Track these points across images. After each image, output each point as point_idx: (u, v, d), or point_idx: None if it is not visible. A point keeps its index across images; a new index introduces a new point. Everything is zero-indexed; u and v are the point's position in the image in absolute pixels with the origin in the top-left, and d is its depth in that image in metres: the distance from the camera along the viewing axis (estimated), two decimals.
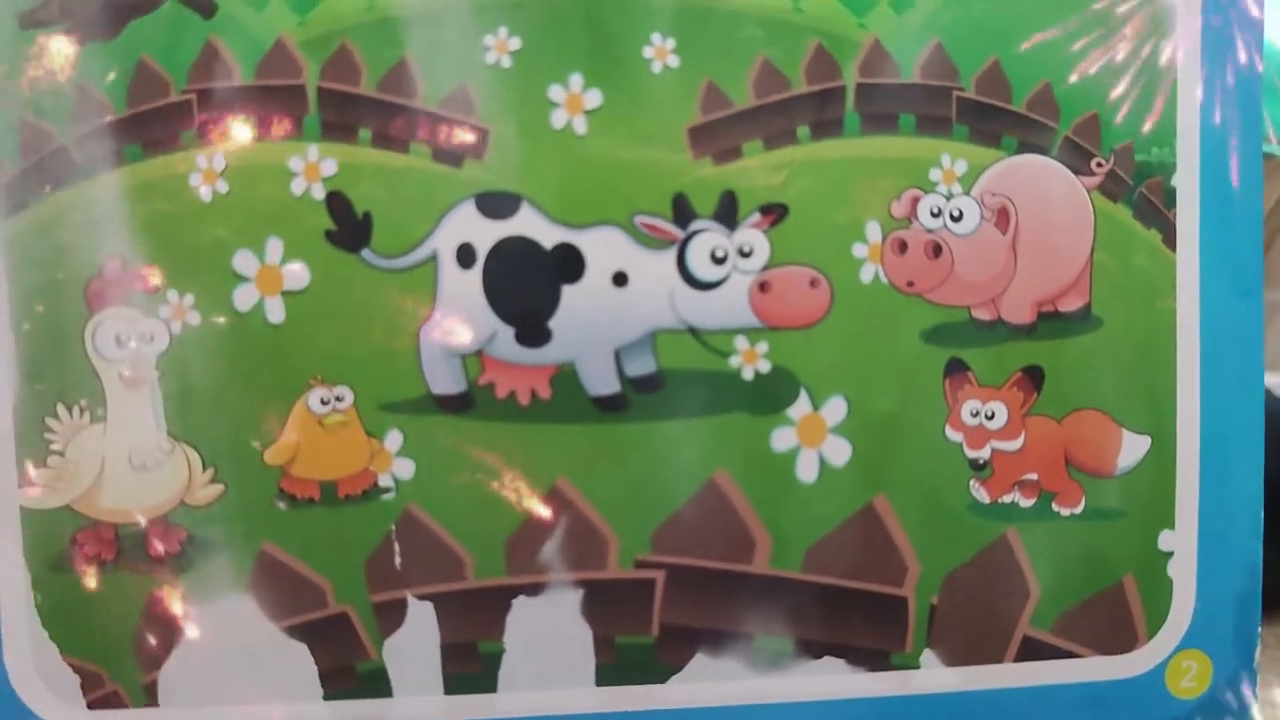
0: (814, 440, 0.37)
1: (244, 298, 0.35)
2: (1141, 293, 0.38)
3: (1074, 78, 0.37)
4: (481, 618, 0.36)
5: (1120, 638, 0.39)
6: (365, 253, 0.35)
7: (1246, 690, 0.39)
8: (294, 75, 0.35)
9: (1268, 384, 0.39)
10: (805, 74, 0.36)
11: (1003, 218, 0.37)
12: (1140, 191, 0.38)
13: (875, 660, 0.38)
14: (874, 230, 0.37)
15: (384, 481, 0.36)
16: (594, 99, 0.35)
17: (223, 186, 0.35)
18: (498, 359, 0.36)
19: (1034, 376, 0.38)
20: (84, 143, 0.34)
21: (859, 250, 0.36)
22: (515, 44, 0.35)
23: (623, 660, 0.37)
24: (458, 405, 0.36)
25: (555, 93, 0.35)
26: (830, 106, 0.36)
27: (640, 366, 0.36)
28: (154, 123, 0.35)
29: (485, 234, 0.35)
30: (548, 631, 0.36)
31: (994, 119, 0.37)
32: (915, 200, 0.37)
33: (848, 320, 0.36)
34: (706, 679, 0.37)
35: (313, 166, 0.35)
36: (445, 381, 0.36)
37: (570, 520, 0.36)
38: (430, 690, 0.36)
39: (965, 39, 0.37)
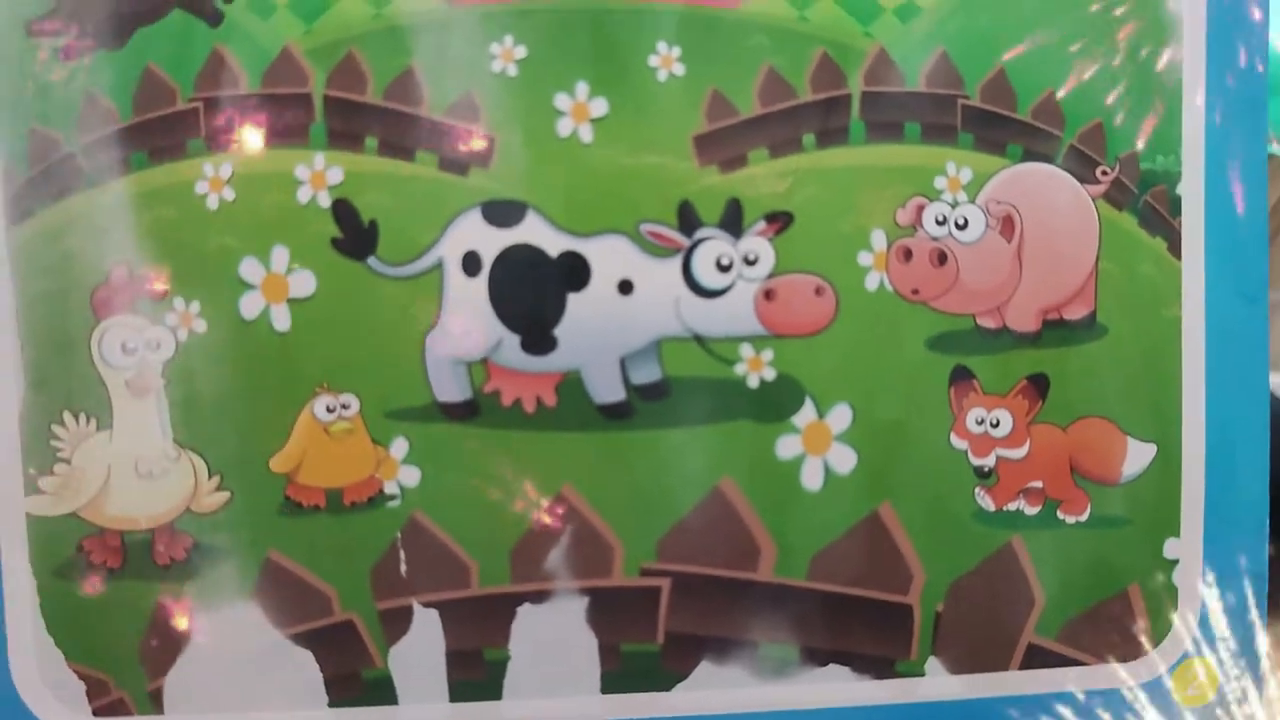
0: (819, 448, 0.37)
1: (250, 305, 0.35)
2: (1146, 301, 0.38)
3: (1079, 86, 0.37)
4: (487, 625, 0.36)
5: (1126, 645, 0.39)
6: (371, 260, 0.35)
7: (1252, 697, 0.39)
8: (300, 83, 0.35)
9: (1272, 386, 0.39)
10: (811, 82, 0.36)
11: (1008, 226, 0.37)
12: (1145, 200, 0.38)
13: (880, 668, 0.38)
14: (879, 238, 0.37)
15: (389, 489, 0.36)
16: (600, 107, 0.35)
17: (229, 194, 0.35)
18: (503, 367, 0.36)
19: (1039, 384, 0.38)
20: (91, 150, 0.34)
21: (864, 258, 0.37)
22: (521, 52, 0.35)
23: (628, 668, 0.37)
24: (463, 413, 0.36)
25: (561, 101, 0.35)
26: (835, 115, 0.36)
27: (645, 374, 0.36)
28: (160, 130, 0.35)
29: (491, 242, 0.35)
30: (553, 639, 0.36)
31: (999, 127, 0.37)
32: (920, 208, 0.37)
33: (853, 328, 0.36)
34: (711, 686, 0.37)
35: (319, 174, 0.35)
36: (451, 389, 0.36)
37: (575, 528, 0.36)
38: (435, 697, 0.36)
39: (970, 48, 0.37)
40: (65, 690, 0.35)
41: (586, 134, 0.35)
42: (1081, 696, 0.38)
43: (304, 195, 0.35)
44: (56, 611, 0.35)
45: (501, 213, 0.35)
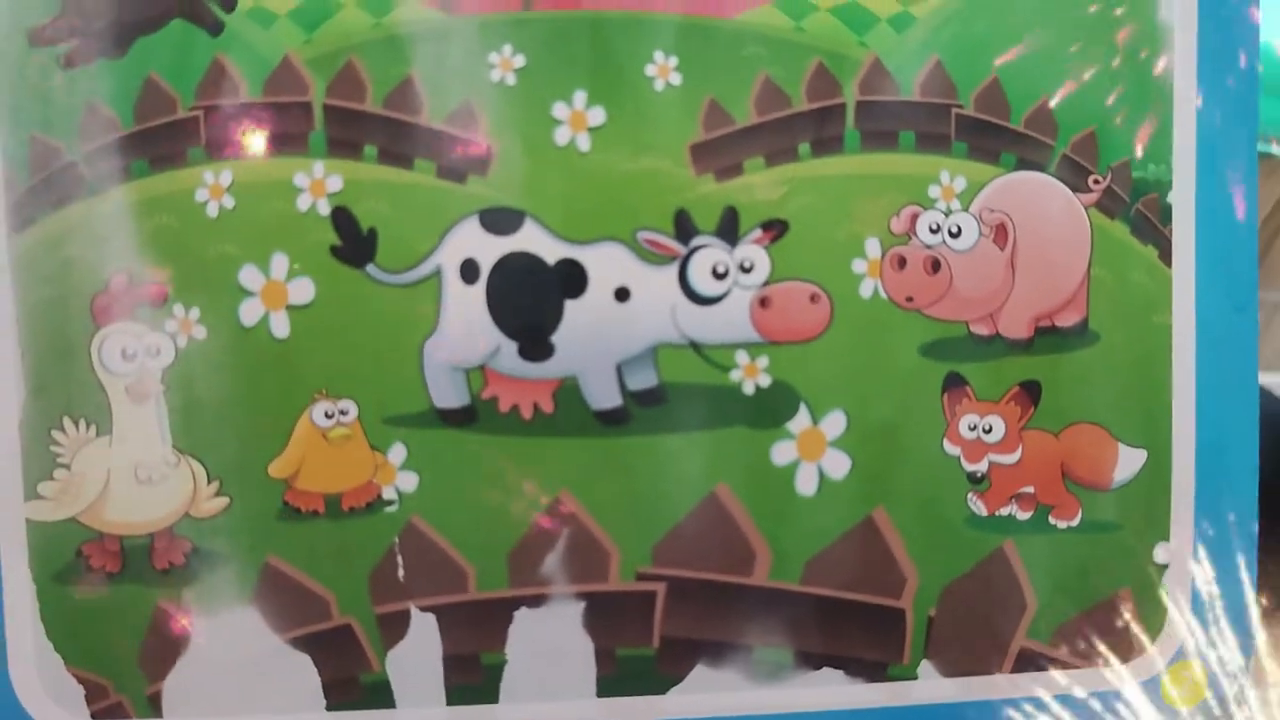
0: (814, 454, 0.37)
1: (249, 312, 0.35)
2: (1138, 308, 0.38)
3: (1071, 95, 0.37)
4: (484, 629, 0.36)
5: (1117, 649, 0.39)
6: (370, 268, 0.35)
7: (1242, 700, 0.39)
8: (300, 92, 0.35)
9: (1267, 385, 0.39)
10: (806, 92, 0.36)
11: (1001, 234, 0.37)
12: (1137, 208, 0.38)
13: (873, 671, 0.38)
14: (873, 246, 0.37)
15: (388, 494, 0.36)
16: (597, 116, 0.36)
17: (229, 202, 0.35)
18: (501, 373, 0.36)
19: (1031, 391, 0.38)
20: (92, 158, 0.35)
21: (858, 266, 0.37)
22: (520, 62, 0.35)
23: (623, 671, 0.37)
24: (461, 419, 0.36)
25: (559, 110, 0.36)
26: (831, 124, 0.37)
27: (642, 380, 0.36)
28: (161, 139, 0.35)
29: (489, 249, 0.36)
30: (549, 643, 0.37)
31: (993, 136, 0.37)
32: (914, 216, 0.37)
33: (847, 335, 0.37)
34: (706, 690, 0.37)
35: (318, 183, 0.35)
36: (449, 395, 0.36)
37: (572, 533, 0.36)
38: (432, 701, 0.36)
39: (964, 57, 0.37)
40: (64, 694, 0.35)
41: (584, 142, 0.36)
42: (1073, 700, 0.39)
43: (303, 203, 0.35)
44: (56, 616, 0.35)
45: (499, 220, 0.36)
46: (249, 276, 0.35)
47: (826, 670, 0.38)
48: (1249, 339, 0.38)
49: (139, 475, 0.35)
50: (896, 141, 0.37)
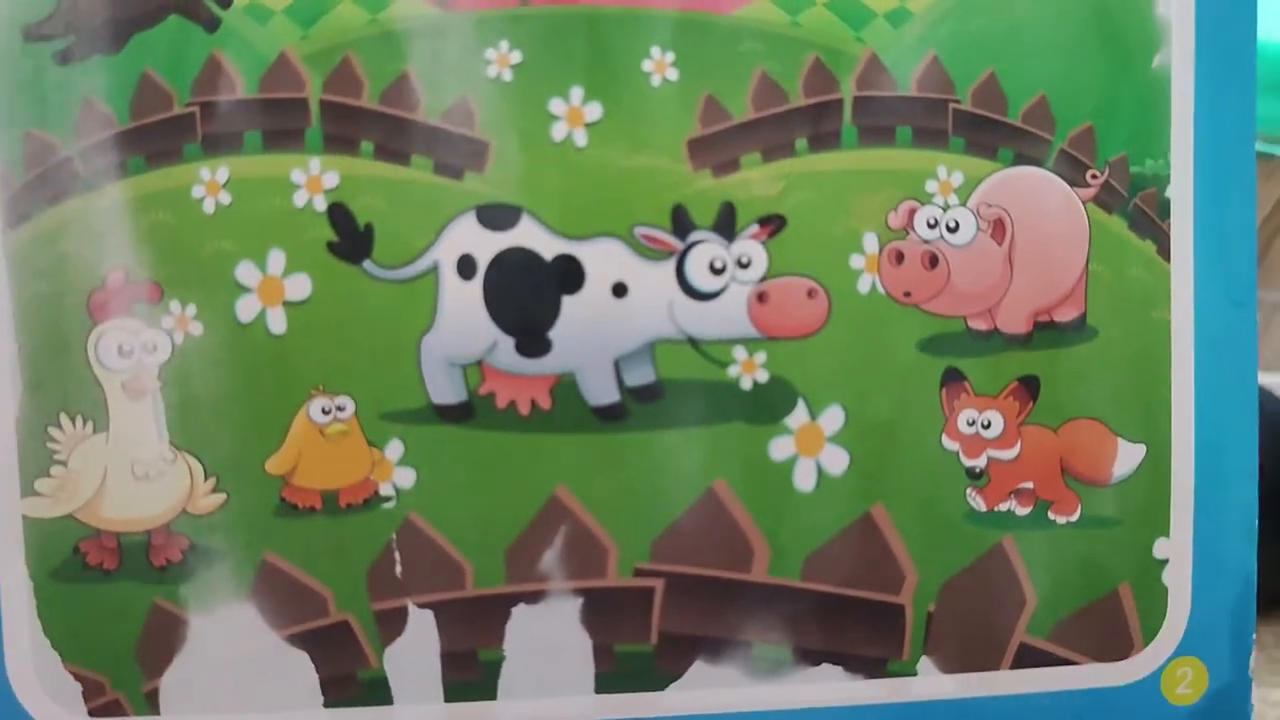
0: (812, 449, 0.37)
1: (246, 308, 0.35)
2: (1136, 303, 0.38)
3: (1069, 90, 0.37)
4: (481, 626, 0.36)
5: (1116, 645, 0.39)
6: (367, 264, 0.35)
7: (1243, 697, 0.39)
8: (297, 88, 0.35)
9: (1266, 384, 0.39)
10: (803, 87, 0.36)
11: (999, 229, 0.37)
12: (1135, 203, 0.38)
13: (872, 667, 0.38)
14: (871, 241, 0.37)
15: (385, 490, 0.36)
16: (594, 112, 0.36)
17: (225, 198, 0.35)
18: (498, 369, 0.36)
19: (1030, 386, 0.38)
20: (88, 155, 0.34)
21: (856, 261, 0.37)
22: (516, 58, 0.35)
23: (622, 668, 0.37)
24: (458, 415, 0.36)
25: (556, 106, 0.36)
26: (828, 119, 0.37)
27: (639, 376, 0.36)
28: (157, 135, 0.35)
29: (486, 245, 0.36)
30: (547, 639, 0.37)
31: (990, 131, 0.37)
32: (912, 211, 0.37)
33: (845, 330, 0.37)
34: (705, 686, 0.37)
35: (315, 179, 0.35)
36: (446, 391, 0.36)
37: (570, 529, 0.36)
38: (430, 698, 0.36)
39: (961, 52, 0.37)
40: (61, 691, 0.35)
41: (581, 138, 0.36)
42: (1072, 696, 0.39)
43: (300, 199, 0.35)
44: (53, 613, 0.35)
45: (496, 216, 0.36)
46: (246, 273, 0.35)
47: (825, 666, 0.38)
48: (1248, 334, 0.38)
49: (136, 472, 0.35)
50: (894, 137, 0.37)
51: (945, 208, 0.37)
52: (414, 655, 0.36)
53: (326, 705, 0.36)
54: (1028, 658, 0.38)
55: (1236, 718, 0.39)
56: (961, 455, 0.38)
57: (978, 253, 0.37)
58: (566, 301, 0.36)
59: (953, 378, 0.37)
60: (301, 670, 0.36)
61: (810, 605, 0.37)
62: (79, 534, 0.35)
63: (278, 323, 0.35)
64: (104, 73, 0.34)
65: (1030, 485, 0.38)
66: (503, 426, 0.36)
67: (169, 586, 0.36)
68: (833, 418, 0.37)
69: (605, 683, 0.37)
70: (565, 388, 0.36)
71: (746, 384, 0.37)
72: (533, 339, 0.36)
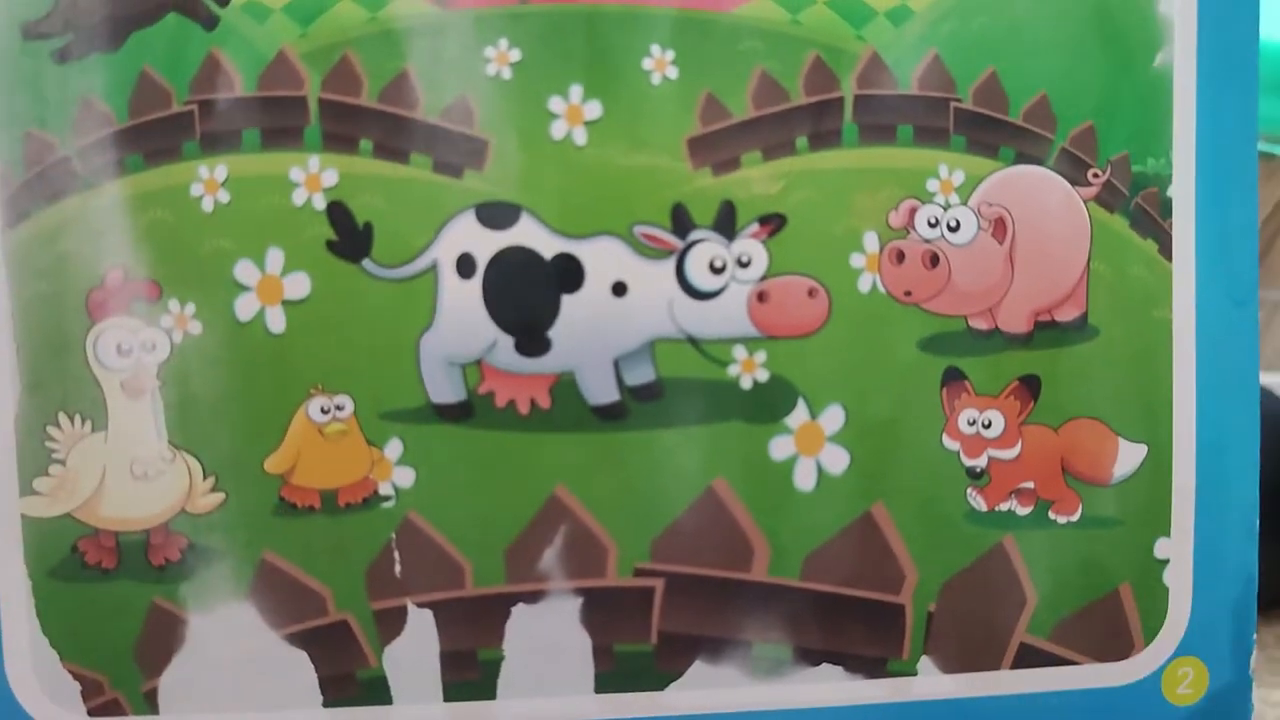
0: (812, 449, 0.37)
1: (245, 307, 0.35)
2: (1138, 302, 0.38)
3: (1070, 89, 0.37)
4: (481, 625, 0.36)
5: (1117, 645, 0.39)
6: (366, 263, 0.35)
7: (1243, 697, 0.39)
8: (296, 87, 0.35)
9: (1267, 384, 0.39)
10: (804, 85, 0.36)
11: (1000, 228, 0.37)
12: (1136, 202, 0.38)
13: (872, 667, 0.38)
14: (871, 240, 0.37)
15: (384, 490, 0.36)
16: (594, 110, 0.36)
17: (224, 196, 0.35)
18: (497, 368, 0.36)
19: (1031, 385, 0.38)
20: (86, 153, 0.34)
21: (857, 260, 0.37)
22: (516, 56, 0.35)
23: (622, 668, 0.37)
24: (458, 414, 0.36)
25: (555, 104, 0.35)
26: (828, 118, 0.36)
27: (639, 375, 0.36)
28: (156, 133, 0.35)
29: (485, 244, 0.36)
30: (547, 639, 0.37)
31: (991, 130, 0.37)
32: (913, 210, 0.37)
33: (845, 330, 0.37)
34: (705, 686, 0.37)
35: (314, 177, 0.35)
36: (445, 390, 0.36)
37: (569, 528, 0.36)
38: (430, 698, 0.36)
39: (962, 51, 0.37)
40: (60, 691, 0.35)
41: (580, 137, 0.36)
42: (1073, 696, 0.39)
43: (299, 198, 0.35)
44: (51, 612, 0.35)
45: (496, 215, 0.36)
46: (244, 271, 0.35)
47: (825, 666, 0.38)
48: (1249, 333, 0.38)
49: (134, 471, 0.35)
50: (894, 135, 0.37)
51: (946, 207, 0.37)
52: (413, 655, 0.36)
53: (326, 705, 0.36)
54: (1028, 657, 0.38)
55: (1237, 718, 0.39)
56: (962, 455, 0.38)
57: (979, 252, 0.37)
58: (566, 300, 0.36)
59: (953, 377, 0.37)
60: (300, 670, 0.36)
61: (810, 605, 0.37)
62: (78, 533, 0.35)
63: (277, 322, 0.35)
64: (102, 71, 0.34)
65: (1031, 485, 0.38)
66: (502, 426, 0.36)
67: (168, 586, 0.35)
68: (833, 417, 0.37)
69: (605, 682, 0.37)
70: (565, 387, 0.36)
71: (747, 383, 0.36)
72: (532, 338, 0.36)
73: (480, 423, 0.36)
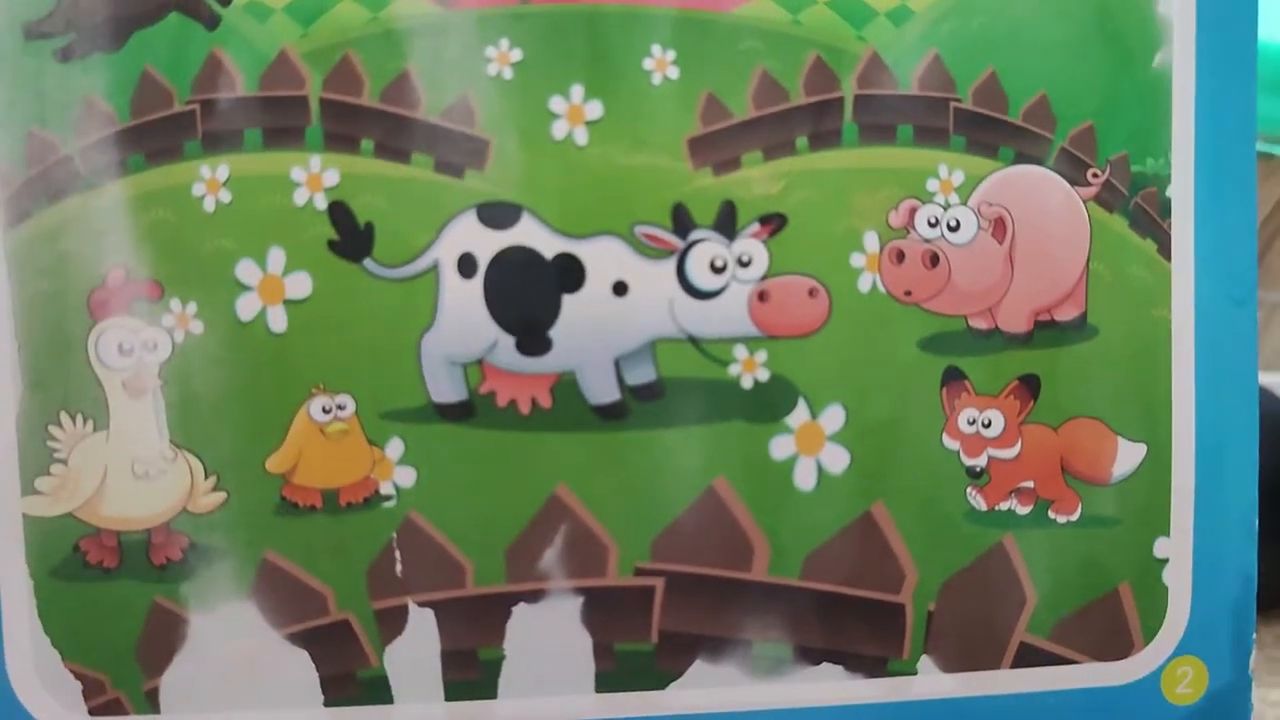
0: (812, 448, 0.37)
1: (246, 307, 0.35)
2: (1137, 302, 0.38)
3: (1070, 89, 0.37)
4: (482, 625, 0.36)
5: (1116, 644, 0.39)
6: (367, 262, 0.35)
7: (1242, 696, 0.39)
8: (297, 86, 0.35)
9: (1266, 384, 0.39)
10: (804, 85, 0.36)
11: (999, 228, 0.37)
12: (1135, 202, 0.38)
13: (873, 666, 0.38)
14: (872, 240, 0.37)
15: (385, 489, 0.36)
16: (595, 110, 0.36)
17: (226, 196, 0.35)
18: (498, 368, 0.36)
19: (1030, 385, 0.38)
20: (88, 153, 0.34)
21: (857, 260, 0.37)
22: (517, 56, 0.35)
23: (622, 667, 0.37)
24: (459, 414, 0.36)
25: (556, 104, 0.36)
26: (829, 117, 0.36)
27: (640, 375, 0.36)
28: (157, 133, 0.35)
29: (486, 244, 0.36)
30: (547, 638, 0.37)
31: (991, 130, 0.37)
32: (913, 210, 0.37)
33: (846, 329, 0.37)
34: (705, 685, 0.37)
35: (315, 177, 0.35)
36: (446, 390, 0.36)
37: (570, 528, 0.36)
38: (431, 697, 0.36)
39: (962, 51, 0.37)
40: (62, 690, 0.35)
41: (581, 136, 0.36)
42: (1073, 695, 0.39)
43: (300, 197, 0.35)
44: (53, 611, 0.35)
45: (497, 215, 0.36)
46: (246, 271, 0.35)
47: (826, 665, 0.38)
48: (1248, 333, 0.38)
49: (136, 470, 0.35)
50: (895, 135, 0.37)
51: (946, 206, 0.37)
52: (414, 654, 0.36)
53: (326, 704, 0.36)
54: (1028, 657, 0.38)
55: (1236, 717, 0.39)
56: (962, 454, 0.38)
57: (978, 252, 0.37)
58: (567, 300, 0.36)
59: (953, 377, 0.37)
60: (302, 669, 0.36)
61: (810, 604, 0.37)
62: (79, 532, 0.35)
63: (278, 321, 0.35)
64: (104, 70, 0.34)
65: (1031, 484, 0.38)
66: (503, 425, 0.36)
67: (169, 585, 0.35)
68: (833, 417, 0.37)
69: (605, 682, 0.37)
70: (566, 386, 0.36)
71: (747, 383, 0.36)
72: (533, 338, 0.36)
73: (481, 422, 0.36)
